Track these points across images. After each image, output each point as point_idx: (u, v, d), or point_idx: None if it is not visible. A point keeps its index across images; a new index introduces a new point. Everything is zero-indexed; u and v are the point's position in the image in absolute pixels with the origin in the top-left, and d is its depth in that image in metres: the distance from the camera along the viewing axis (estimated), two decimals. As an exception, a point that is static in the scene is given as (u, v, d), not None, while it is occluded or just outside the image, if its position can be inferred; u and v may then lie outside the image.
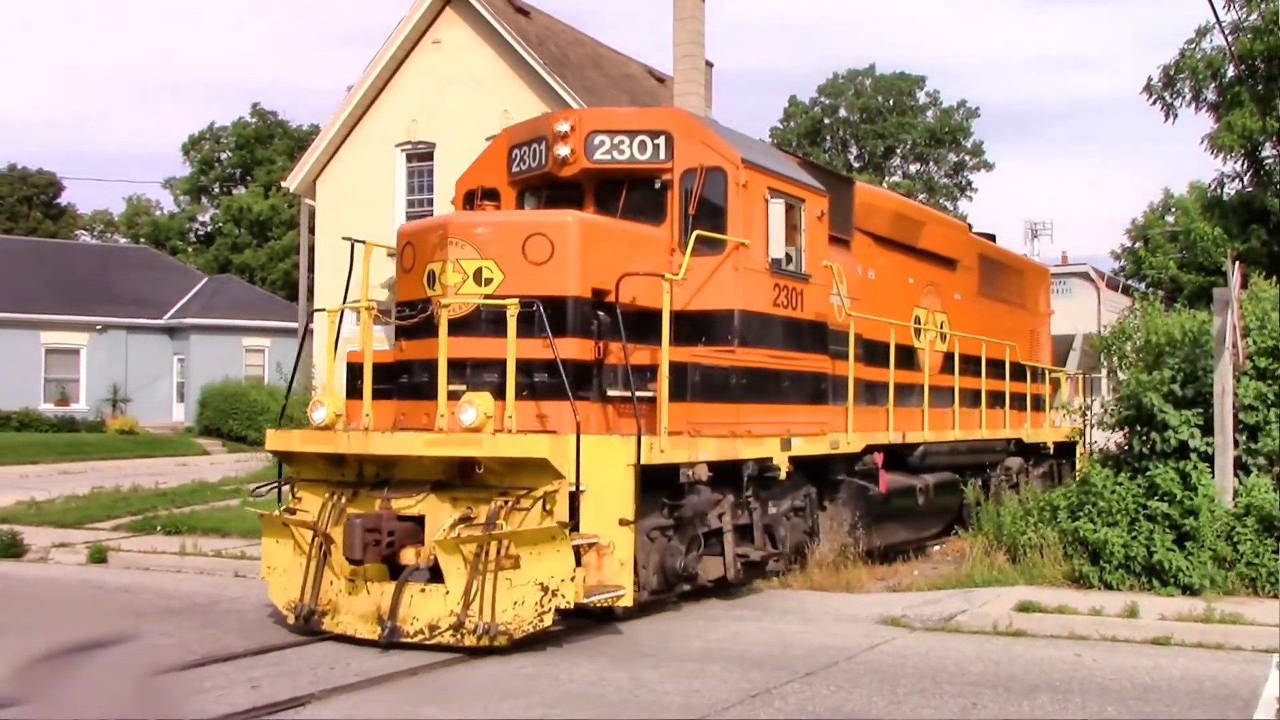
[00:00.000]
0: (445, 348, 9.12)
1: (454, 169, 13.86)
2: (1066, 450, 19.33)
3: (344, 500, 9.37)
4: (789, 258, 11.40)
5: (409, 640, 8.57)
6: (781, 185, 11.36)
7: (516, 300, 9.01)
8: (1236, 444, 11.55)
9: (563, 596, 8.37)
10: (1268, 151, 24.12)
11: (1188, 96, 23.34)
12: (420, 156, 25.33)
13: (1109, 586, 10.64)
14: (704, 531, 10.25)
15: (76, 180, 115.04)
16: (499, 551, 8.41)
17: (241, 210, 63.61)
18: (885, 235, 14.25)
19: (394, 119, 25.41)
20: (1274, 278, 14.40)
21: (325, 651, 8.70)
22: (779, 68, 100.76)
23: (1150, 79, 23.30)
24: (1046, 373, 19.60)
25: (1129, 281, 41.50)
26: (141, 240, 65.82)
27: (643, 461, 9.00)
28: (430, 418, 9.28)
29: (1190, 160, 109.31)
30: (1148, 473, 11.38)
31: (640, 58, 32.23)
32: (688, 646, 8.88)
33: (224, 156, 67.92)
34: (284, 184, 29.72)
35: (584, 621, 9.46)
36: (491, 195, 11.31)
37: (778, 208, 10.96)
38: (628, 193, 10.98)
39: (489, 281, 9.51)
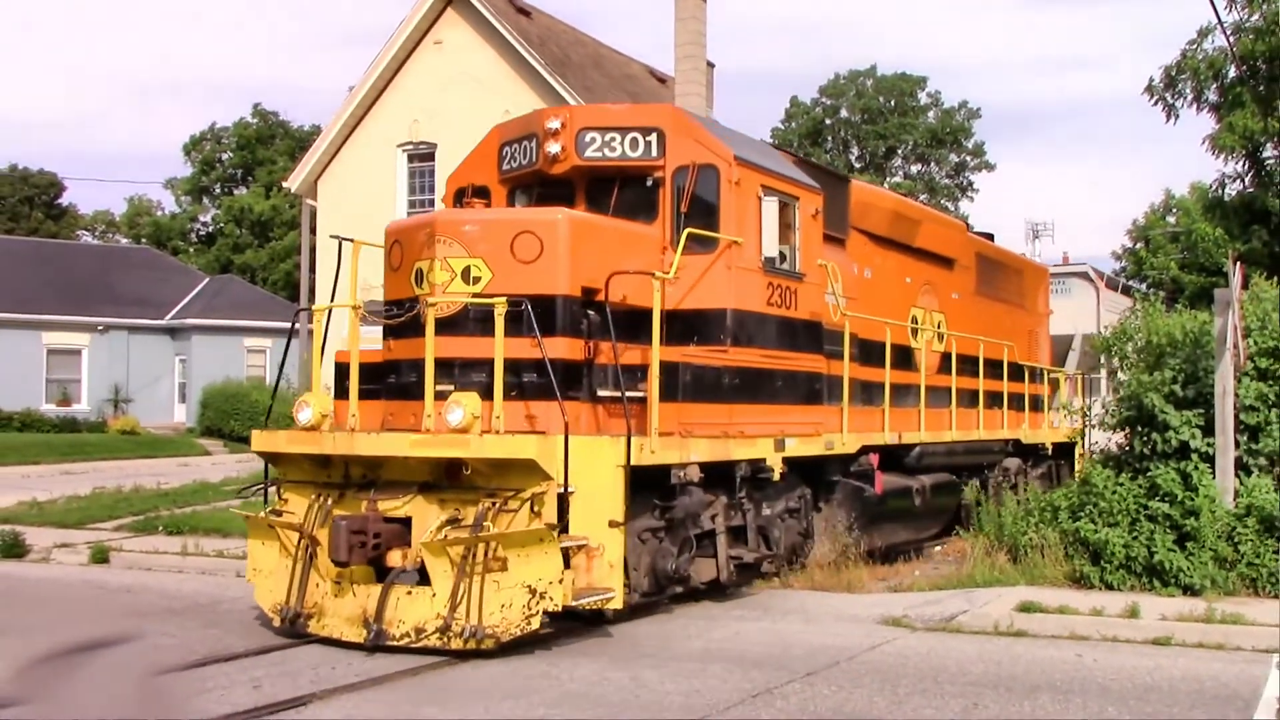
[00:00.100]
0: (432, 347, 9.05)
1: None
2: (1065, 451, 19.26)
3: (330, 502, 9.27)
4: (783, 256, 11.32)
5: (395, 643, 8.46)
6: (775, 183, 11.28)
7: (504, 299, 8.92)
8: (1237, 444, 11.56)
9: (550, 599, 8.27)
10: (1269, 152, 24.09)
11: (1189, 97, 23.30)
12: (421, 157, 25.34)
13: (1110, 587, 10.64)
14: (696, 533, 10.17)
15: (78, 181, 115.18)
16: (486, 554, 8.32)
17: (243, 211, 63.66)
18: (882, 234, 14.15)
19: (395, 119, 25.43)
20: (1275, 278, 14.40)
21: (326, 651, 8.70)
22: (780, 68, 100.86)
23: (1152, 79, 23.28)
24: (1045, 373, 19.49)
25: (1130, 282, 41.48)
26: (143, 241, 65.87)
27: (633, 462, 8.88)
28: (418, 418, 9.19)
29: (1191, 161, 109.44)
30: (1149, 473, 11.38)
31: (642, 58, 32.27)
32: (688, 646, 8.88)
33: (225, 157, 67.99)
34: (285, 184, 29.74)
35: (583, 623, 9.43)
36: (482, 193, 11.18)
37: (771, 206, 10.90)
38: (620, 190, 10.88)
39: (477, 280, 9.41)
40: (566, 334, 9.45)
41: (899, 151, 65.83)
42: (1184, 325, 13.14)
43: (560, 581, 8.29)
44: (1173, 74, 23.12)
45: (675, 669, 8.09)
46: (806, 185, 12.01)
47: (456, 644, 8.30)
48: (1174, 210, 52.25)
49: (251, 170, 66.56)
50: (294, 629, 9.09)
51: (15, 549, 14.39)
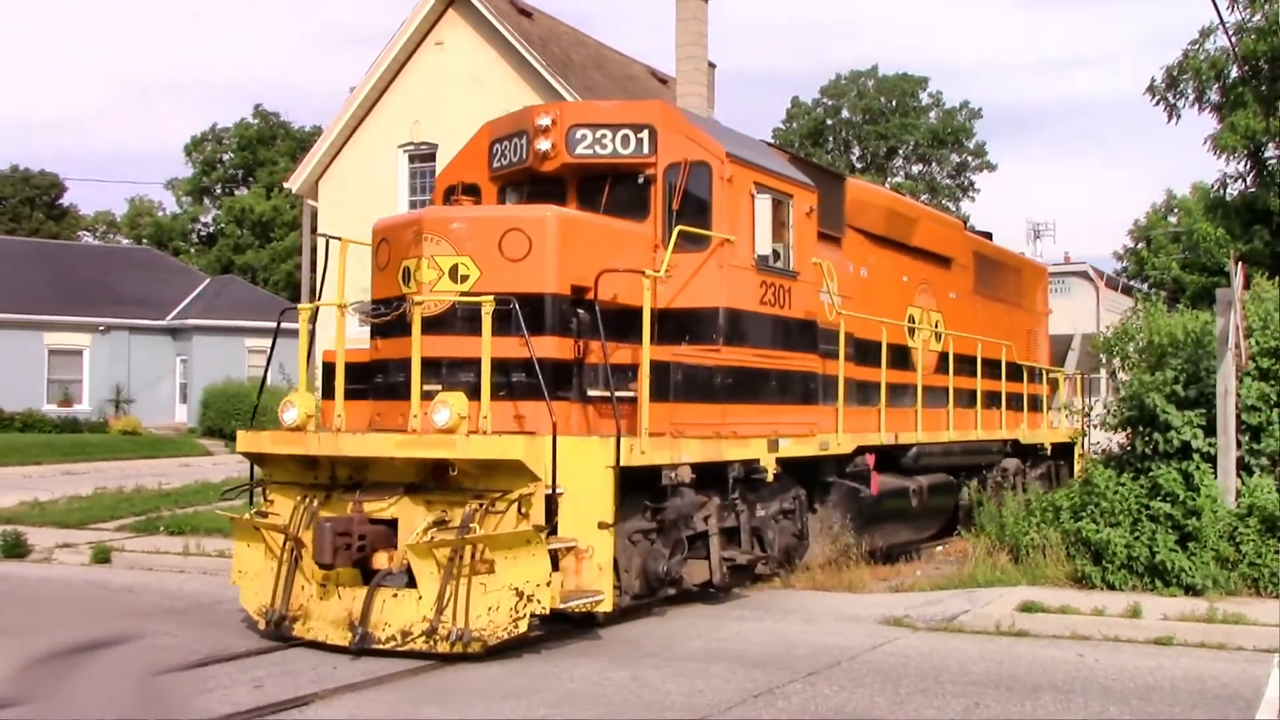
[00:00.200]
0: (418, 346, 8.92)
1: (456, 170, 13.80)
2: (1064, 452, 19.15)
3: (316, 503, 9.13)
4: (776, 254, 11.20)
5: (380, 647, 8.34)
6: (768, 180, 11.16)
7: (491, 297, 8.79)
8: (1239, 444, 11.56)
9: (538, 602, 8.15)
10: (1271, 152, 24.08)
11: (1191, 97, 23.27)
12: (422, 157, 25.35)
13: (1111, 587, 10.63)
14: (689, 535, 10.03)
15: (79, 181, 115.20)
16: (473, 556, 8.18)
17: (244, 211, 63.71)
18: (878, 232, 13.99)
19: (396, 120, 25.44)
20: (1277, 278, 14.41)
21: (329, 651, 8.68)
22: (781, 69, 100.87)
23: (1153, 79, 23.28)
24: (1044, 373, 19.36)
25: (1132, 282, 41.47)
26: (144, 241, 65.92)
27: (622, 463, 8.75)
28: (406, 419, 9.04)
29: (1193, 161, 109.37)
30: (1150, 473, 11.38)
31: (643, 59, 32.27)
32: (690, 646, 8.88)
33: (226, 157, 68.05)
34: (286, 185, 29.77)
35: (581, 626, 9.37)
36: (472, 191, 11.04)
37: (764, 203, 10.79)
38: (611, 188, 10.72)
39: (465, 278, 9.28)
40: (555, 333, 9.33)
41: (900, 152, 65.81)
42: (1185, 325, 13.14)
43: (548, 584, 8.18)
44: (1174, 74, 23.10)
45: (677, 669, 8.09)
46: (800, 183, 11.88)
47: (443, 647, 8.17)
48: (1175, 210, 52.24)
49: (253, 171, 66.61)
50: (279, 632, 8.96)
51: (17, 549, 14.40)
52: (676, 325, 10.31)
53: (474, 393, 8.77)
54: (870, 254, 13.84)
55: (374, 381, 9.89)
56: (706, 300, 10.47)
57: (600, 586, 8.67)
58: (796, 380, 11.70)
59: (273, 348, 11.27)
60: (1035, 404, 18.65)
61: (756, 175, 11.01)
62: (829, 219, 12.57)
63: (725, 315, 10.53)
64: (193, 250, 66.70)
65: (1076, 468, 18.49)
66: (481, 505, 8.49)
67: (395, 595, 8.47)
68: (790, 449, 11.19)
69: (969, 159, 66.25)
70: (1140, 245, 53.67)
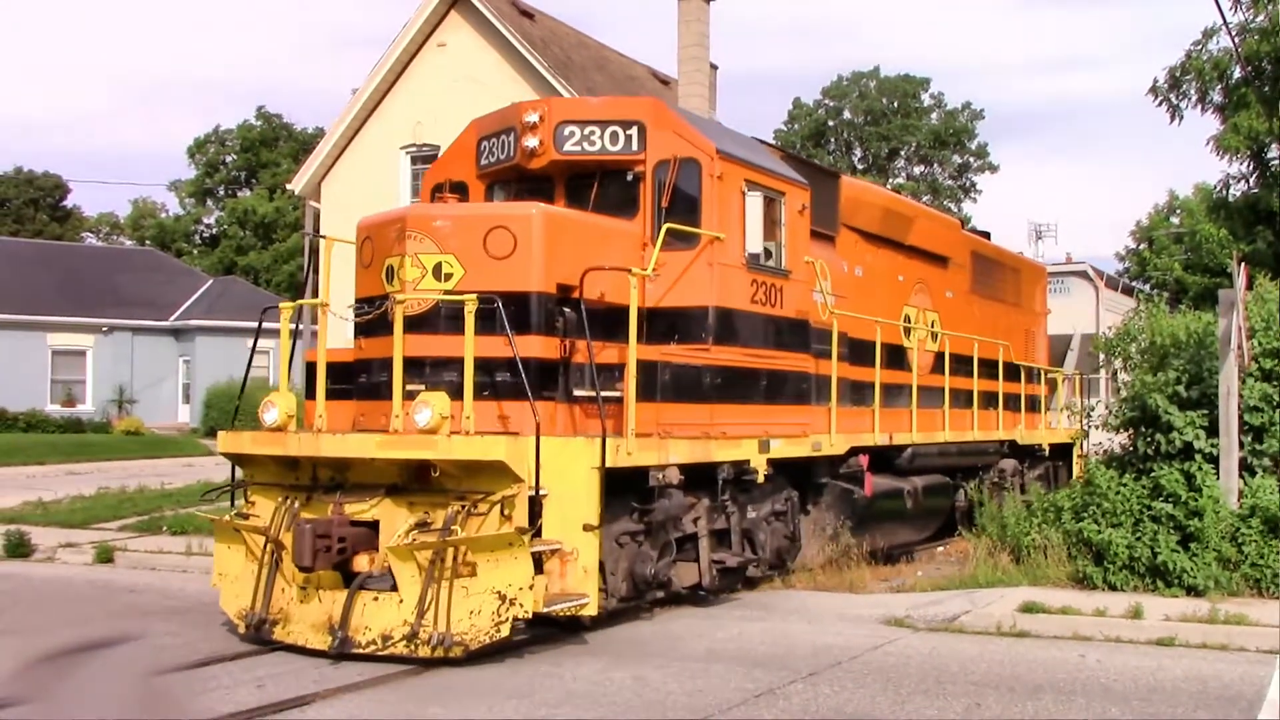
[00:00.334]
0: (400, 345, 8.81)
1: (458, 171, 13.77)
2: (1063, 453, 19.04)
3: (297, 504, 8.98)
4: (768, 253, 11.08)
5: (361, 651, 8.20)
6: (759, 178, 11.02)
7: (475, 296, 8.65)
8: (1241, 445, 11.56)
9: (521, 606, 8.00)
10: (1274, 153, 24.08)
11: (1194, 98, 23.28)
12: (425, 159, 25.32)
13: (1113, 587, 10.63)
14: (677, 537, 9.90)
15: (82, 183, 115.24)
16: (455, 558, 8.03)
17: (246, 212, 63.77)
18: (873, 231, 13.86)
19: (399, 122, 25.44)
20: (1279, 279, 14.38)
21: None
22: (783, 70, 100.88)
23: (1156, 80, 23.29)
24: (1042, 373, 19.21)
25: (1134, 283, 41.41)
26: (147, 242, 66.02)
27: (608, 464, 8.59)
28: (389, 419, 8.90)
29: (1195, 162, 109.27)
30: (1152, 474, 11.38)
31: (645, 61, 32.27)
32: (691, 646, 8.87)
33: (229, 159, 68.13)
34: (289, 186, 29.78)
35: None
36: (459, 189, 10.86)
37: (755, 201, 10.68)
38: (600, 186, 10.56)
39: (449, 277, 9.13)
40: (541, 332, 9.18)
41: (902, 153, 65.81)
42: (1188, 326, 13.15)
43: (531, 587, 8.03)
44: (1177, 75, 23.11)
45: (678, 669, 8.08)
46: (793, 180, 11.73)
47: (424, 652, 8.04)
48: (1178, 211, 52.18)
49: (255, 172, 66.68)
50: (259, 635, 8.81)
51: (21, 549, 14.42)
52: (665, 324, 10.18)
53: (457, 393, 8.62)
54: (865, 253, 13.72)
55: (358, 381, 9.71)
56: (696, 299, 10.31)
57: (585, 590, 8.52)
58: (788, 380, 11.55)
59: (254, 348, 11.15)
60: (1033, 404, 18.52)
61: (747, 172, 10.87)
62: (823, 217, 12.45)
63: (715, 314, 10.39)
64: (195, 252, 66.77)
65: (1075, 469, 18.44)
66: (464, 507, 8.34)
67: (376, 599, 8.33)
68: (781, 450, 11.05)
69: (971, 160, 66.26)
70: (1142, 246, 53.62)
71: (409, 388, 8.84)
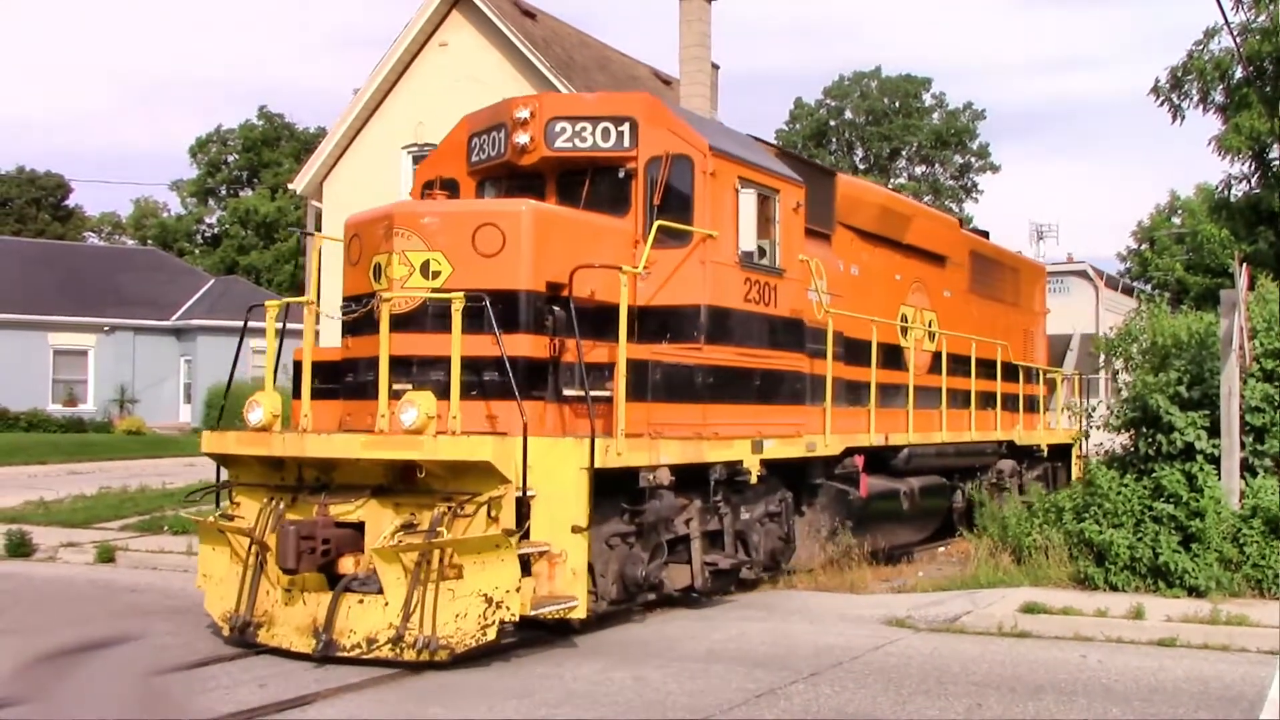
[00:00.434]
0: (386, 344, 8.69)
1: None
2: (1062, 453, 18.95)
3: (282, 506, 8.87)
4: (762, 251, 10.95)
5: (345, 654, 8.08)
6: (753, 175, 10.88)
7: (462, 294, 8.54)
8: (1243, 446, 11.56)
9: (508, 609, 7.90)
10: (1275, 153, 24.06)
11: (1195, 98, 23.29)
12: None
13: (1114, 588, 10.63)
14: (669, 538, 9.78)
15: (84, 183, 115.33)
16: (441, 560, 7.91)
17: (248, 212, 63.79)
18: (870, 230, 13.73)
19: (400, 121, 25.44)
20: (1280, 279, 14.37)
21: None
22: (785, 70, 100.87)
23: (1158, 80, 23.29)
24: (1041, 373, 19.09)
25: (1135, 283, 41.38)
26: (149, 242, 66.07)
27: (598, 465, 8.44)
28: (375, 419, 8.78)
29: (1197, 162, 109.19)
30: (1153, 474, 11.38)
31: (647, 60, 32.25)
32: (690, 647, 8.86)
33: (231, 159, 68.16)
34: (291, 186, 29.79)
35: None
36: (450, 186, 10.74)
37: (749, 198, 10.52)
38: (591, 182, 10.44)
39: (437, 274, 9.00)
40: (530, 331, 9.07)
41: (903, 153, 65.78)
42: (1189, 326, 13.13)
43: (518, 590, 7.93)
44: (1179, 75, 23.12)
45: (679, 669, 8.08)
46: (787, 178, 11.62)
47: (409, 655, 7.93)
48: (1179, 211, 52.15)
49: (257, 172, 66.71)
50: (243, 638, 8.71)
51: (22, 548, 14.43)
52: (657, 323, 10.07)
53: (444, 392, 8.51)
54: (862, 251, 13.59)
55: (344, 381, 9.61)
56: (688, 298, 10.19)
57: (574, 592, 8.38)
58: (782, 380, 11.44)
59: (239, 347, 11.01)
60: (1032, 405, 18.42)
61: (741, 169, 10.75)
62: (818, 215, 12.35)
63: (707, 313, 10.25)
64: (197, 251, 66.80)
65: (1075, 469, 18.38)
66: (450, 508, 8.24)
67: (361, 601, 8.22)
68: (775, 450, 10.93)
69: (972, 160, 66.21)
70: (1144, 246, 53.59)
71: (396, 387, 8.74)
